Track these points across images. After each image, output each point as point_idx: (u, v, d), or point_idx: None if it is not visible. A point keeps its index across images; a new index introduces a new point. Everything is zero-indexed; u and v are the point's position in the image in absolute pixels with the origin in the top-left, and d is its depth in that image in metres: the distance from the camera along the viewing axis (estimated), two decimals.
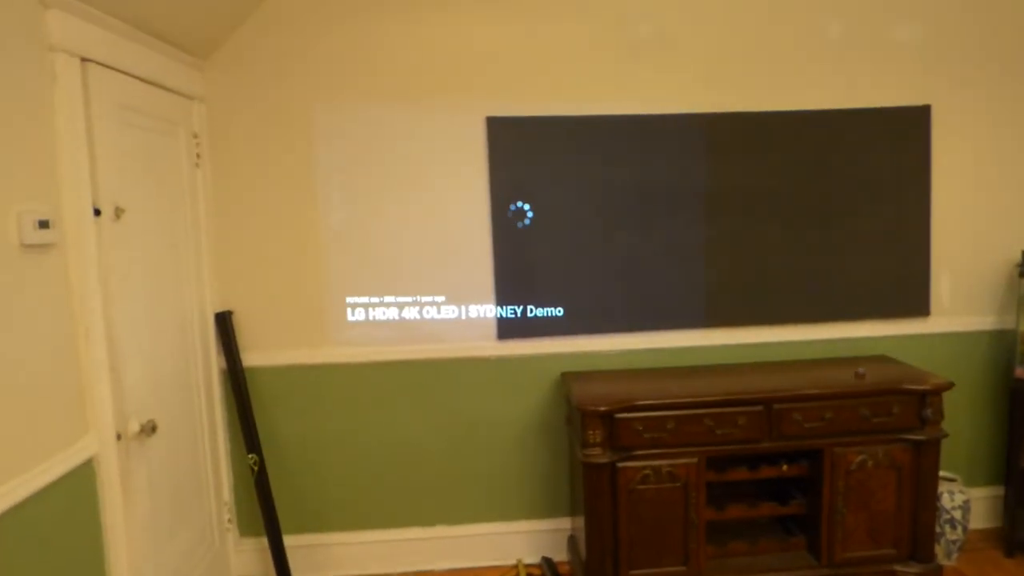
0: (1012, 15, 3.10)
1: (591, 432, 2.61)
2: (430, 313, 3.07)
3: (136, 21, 2.23)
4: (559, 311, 3.08)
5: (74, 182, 1.94)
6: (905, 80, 3.10)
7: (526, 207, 3.01)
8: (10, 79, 1.74)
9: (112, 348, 2.09)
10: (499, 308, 3.06)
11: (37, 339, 1.82)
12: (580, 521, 2.80)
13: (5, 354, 1.69)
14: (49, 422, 1.86)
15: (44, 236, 1.80)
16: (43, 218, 1.79)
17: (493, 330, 3.08)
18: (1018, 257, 3.13)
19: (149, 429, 2.24)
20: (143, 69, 2.33)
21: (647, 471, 2.65)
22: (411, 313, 3.06)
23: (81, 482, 1.97)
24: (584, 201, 3.04)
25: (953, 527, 2.97)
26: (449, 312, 3.07)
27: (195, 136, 2.80)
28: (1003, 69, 3.12)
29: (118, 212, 2.13)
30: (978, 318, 3.21)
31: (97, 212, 2.03)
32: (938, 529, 2.92)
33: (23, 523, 1.73)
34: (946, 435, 2.72)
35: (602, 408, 2.60)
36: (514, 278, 3.06)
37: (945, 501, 2.96)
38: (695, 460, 2.66)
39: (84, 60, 1.99)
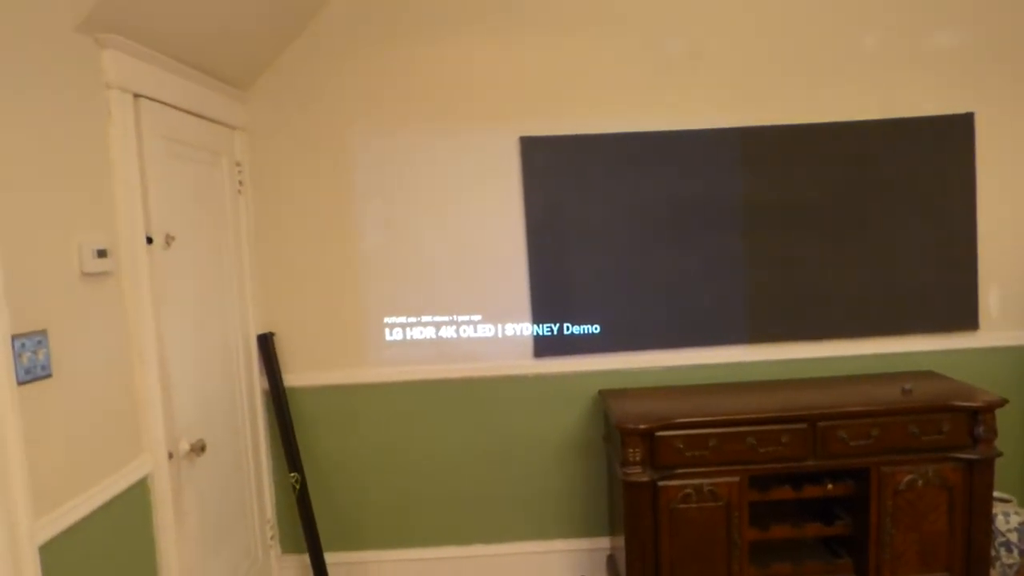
0: None
1: (631, 450, 2.59)
2: (467, 332, 3.10)
3: (183, 57, 2.33)
4: (596, 328, 3.08)
5: (128, 212, 2.03)
6: (946, 88, 3.04)
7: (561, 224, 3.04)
8: (71, 116, 1.84)
9: (163, 370, 2.17)
10: (535, 326, 3.08)
11: (98, 364, 1.90)
12: (619, 540, 2.78)
13: (71, 379, 1.77)
14: (109, 442, 1.93)
15: (102, 265, 1.89)
16: (101, 247, 1.88)
17: (530, 348, 3.09)
18: None
19: (198, 448, 2.31)
20: (189, 102, 2.43)
21: (688, 490, 2.62)
22: (448, 332, 3.09)
23: (136, 500, 2.04)
24: (620, 217, 3.04)
25: (1009, 550, 2.85)
26: (485, 331, 3.10)
27: (237, 164, 2.90)
28: None
29: (168, 240, 2.21)
30: None
31: (149, 240, 2.11)
32: (993, 552, 2.81)
33: (84, 540, 1.80)
34: (1000, 454, 2.63)
35: (642, 426, 2.58)
36: (550, 296, 3.07)
37: (1000, 523, 2.85)
38: (737, 479, 2.63)
39: (136, 96, 2.09)
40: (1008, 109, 3.05)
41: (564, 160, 3.02)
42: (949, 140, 3.04)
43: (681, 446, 2.61)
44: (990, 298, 3.10)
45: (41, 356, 1.66)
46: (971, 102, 3.04)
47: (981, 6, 3.02)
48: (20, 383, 1.58)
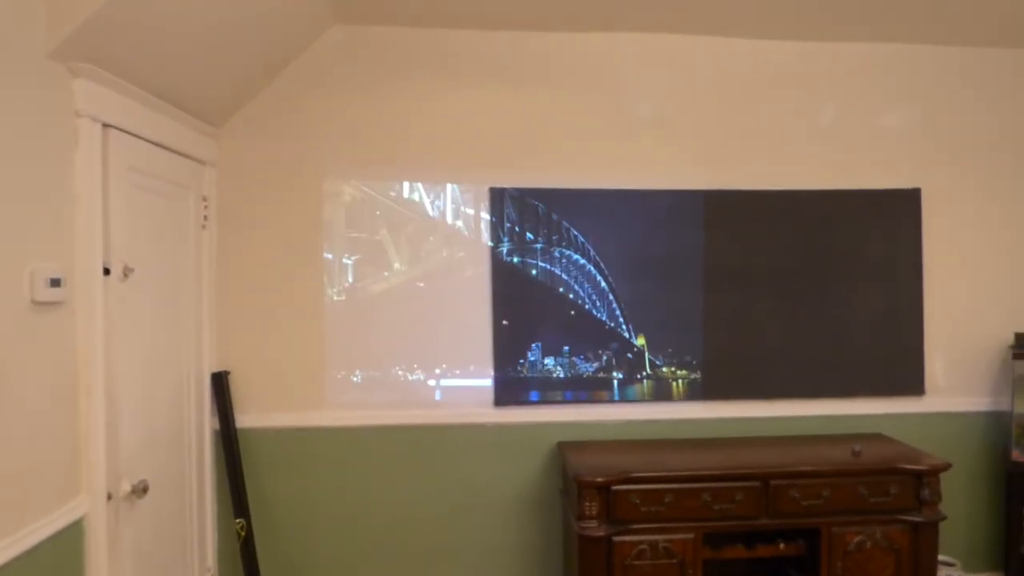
0: (999, 101, 3.25)
1: (587, 504, 2.57)
2: (428, 378, 3.07)
3: (157, 90, 2.32)
4: (559, 375, 3.08)
5: (87, 242, 1.98)
6: (895, 163, 3.22)
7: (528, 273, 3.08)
8: (36, 142, 1.80)
9: (110, 406, 2.08)
10: (497, 374, 3.07)
11: (40, 397, 1.82)
12: None
13: (9, 412, 1.69)
14: (44, 482, 1.83)
15: (54, 294, 1.83)
16: (55, 276, 1.82)
17: (490, 397, 3.07)
18: (1011, 339, 3.18)
19: (140, 490, 2.21)
20: (159, 135, 2.41)
21: (643, 546, 2.60)
22: (409, 378, 3.06)
23: (69, 543, 1.93)
24: (583, 271, 3.09)
25: None
26: (447, 378, 3.07)
27: (204, 199, 2.87)
28: (990, 153, 3.24)
29: (126, 271, 2.16)
30: (973, 399, 3.23)
31: (107, 271, 2.06)
32: None
33: None
34: (944, 517, 2.69)
35: (599, 479, 2.57)
36: (513, 346, 3.08)
37: None
38: (692, 536, 2.62)
39: (105, 125, 2.07)
40: (951, 186, 3.24)
41: (532, 212, 3.08)
42: (898, 213, 3.21)
43: (637, 501, 2.60)
44: (935, 365, 3.23)
45: None
46: (918, 178, 3.22)
47: (927, 90, 3.24)
48: None
